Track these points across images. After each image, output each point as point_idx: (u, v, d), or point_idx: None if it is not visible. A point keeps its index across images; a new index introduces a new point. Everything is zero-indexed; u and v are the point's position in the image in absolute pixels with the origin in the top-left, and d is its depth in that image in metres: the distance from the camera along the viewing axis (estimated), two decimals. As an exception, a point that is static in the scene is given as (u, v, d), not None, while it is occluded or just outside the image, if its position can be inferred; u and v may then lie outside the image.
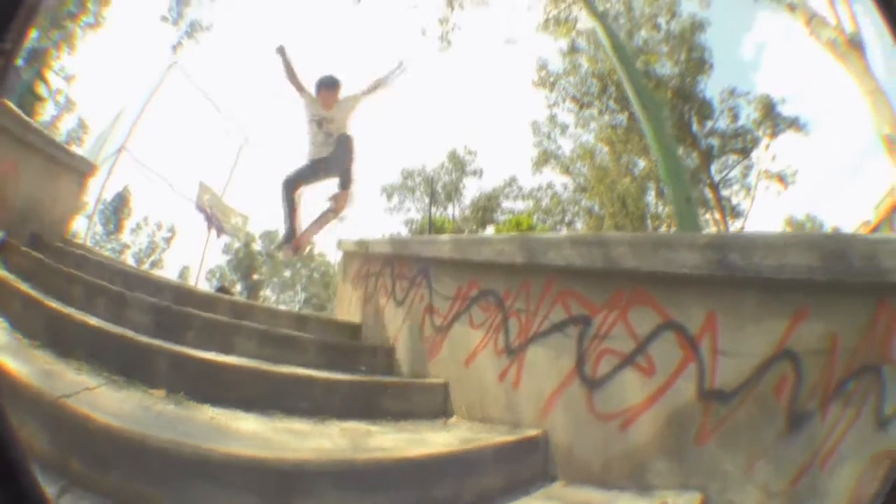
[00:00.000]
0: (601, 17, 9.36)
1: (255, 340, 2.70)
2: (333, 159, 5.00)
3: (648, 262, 2.34)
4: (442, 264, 3.48)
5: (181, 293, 3.20)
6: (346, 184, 4.98)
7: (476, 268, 3.14)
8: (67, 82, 15.89)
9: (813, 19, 12.37)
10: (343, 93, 5.16)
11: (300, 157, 5.31)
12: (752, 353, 2.14)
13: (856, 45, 11.95)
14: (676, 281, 2.27)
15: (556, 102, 21.18)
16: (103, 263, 3.35)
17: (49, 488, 1.27)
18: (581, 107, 21.30)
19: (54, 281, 2.54)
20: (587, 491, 2.13)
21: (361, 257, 4.99)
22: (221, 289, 9.16)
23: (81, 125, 18.33)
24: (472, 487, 1.86)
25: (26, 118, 3.57)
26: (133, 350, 1.96)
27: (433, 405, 2.75)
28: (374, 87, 5.24)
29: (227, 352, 2.36)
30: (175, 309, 2.68)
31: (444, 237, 3.76)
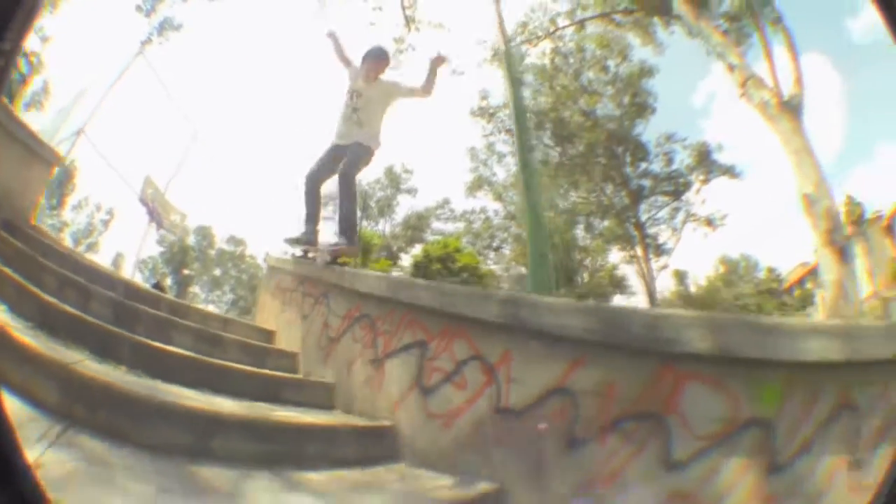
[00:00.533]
0: (513, 72, 9.69)
1: (190, 337, 3.30)
2: (339, 182, 4.75)
3: (465, 308, 3.01)
4: (338, 289, 4.13)
5: (129, 289, 3.78)
6: (346, 231, 4.66)
7: (360, 295, 3.81)
8: (42, 43, 15.48)
9: (749, 80, 12.96)
10: (388, 74, 4.95)
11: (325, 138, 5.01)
12: (536, 385, 2.67)
13: (791, 108, 12.63)
14: (484, 324, 2.90)
15: (492, 133, 21.54)
16: (65, 255, 3.84)
17: (56, 426, 1.78)
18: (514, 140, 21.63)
19: (31, 269, 3.02)
20: (420, 471, 2.71)
21: (281, 273, 5.55)
22: (157, 285, 9.53)
23: (45, 89, 17.73)
24: (335, 452, 2.52)
25: (10, 108, 4.05)
26: (105, 336, 2.51)
27: (322, 399, 3.39)
28: (419, 90, 4.90)
29: (168, 344, 2.92)
30: (129, 304, 3.23)
31: (345, 269, 4.47)
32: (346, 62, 5.02)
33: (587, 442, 2.59)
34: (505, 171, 22.99)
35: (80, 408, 1.89)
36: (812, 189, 11.75)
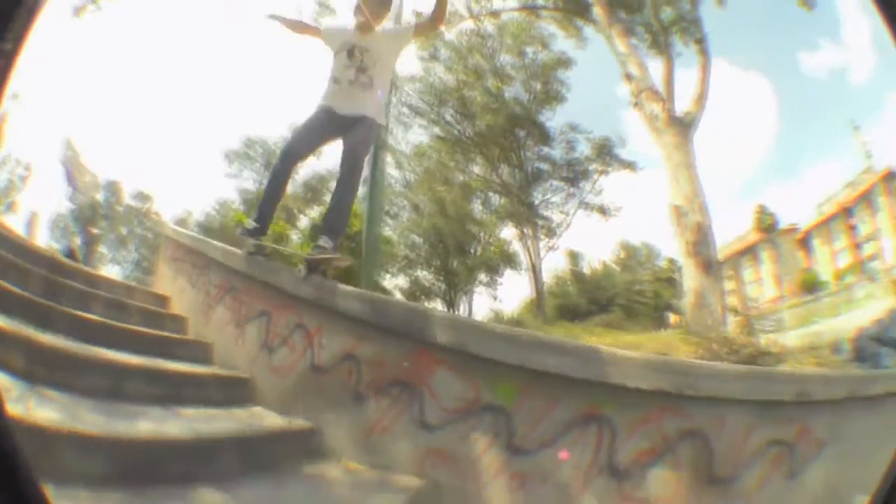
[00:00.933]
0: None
1: (102, 305, 3.97)
2: (342, 154, 3.95)
3: (291, 288, 3.69)
4: (216, 263, 4.67)
5: (52, 264, 4.35)
6: (334, 228, 3.87)
7: (230, 270, 4.40)
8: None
9: (643, 92, 13.68)
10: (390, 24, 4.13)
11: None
12: (336, 350, 3.35)
13: (681, 123, 13.34)
14: (305, 301, 3.58)
15: (395, 104, 21.26)
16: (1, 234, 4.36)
17: (23, 384, 2.22)
18: (415, 114, 22.12)
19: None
20: (267, 412, 3.40)
21: (174, 243, 5.98)
22: (70, 253, 9.83)
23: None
24: (206, 395, 3.27)
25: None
26: (43, 310, 3.11)
27: (202, 356, 4.05)
28: (427, 23, 4.32)
29: (87, 312, 3.57)
30: (54, 280, 3.83)
31: (218, 245, 4.91)
32: (314, 30, 4.38)
33: (367, 398, 3.21)
34: (407, 140, 23.14)
35: (40, 369, 2.47)
36: (683, 202, 12.53)
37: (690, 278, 12.47)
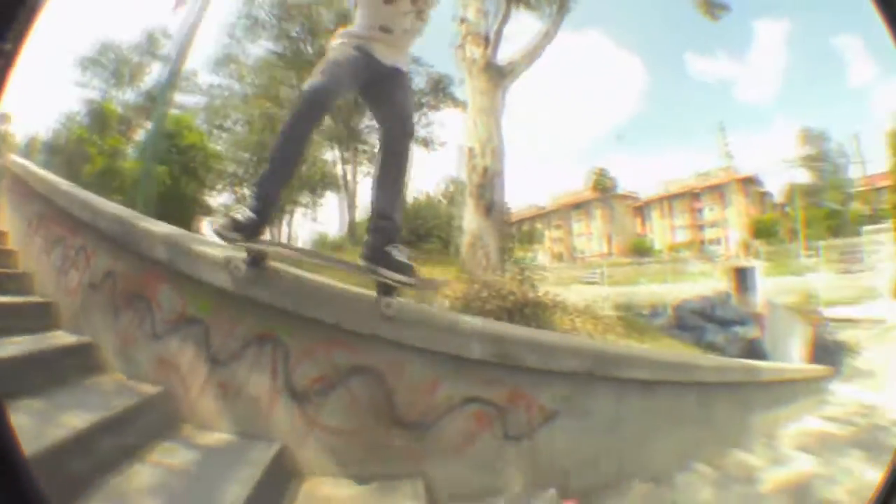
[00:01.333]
0: None
1: None
2: (385, 126, 3.14)
3: (79, 213, 3.85)
4: (34, 193, 4.62)
5: None
6: (399, 225, 3.03)
7: (44, 199, 4.43)
8: None
9: (470, 36, 13.56)
10: None
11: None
12: (102, 268, 3.54)
13: (498, 72, 13.46)
14: (84, 225, 3.74)
15: (246, 16, 20.69)
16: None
17: None
18: (261, 27, 21.05)
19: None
20: (66, 334, 3.60)
21: (9, 172, 5.68)
22: None
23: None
24: (24, 325, 3.51)
25: None
26: None
27: (28, 287, 4.33)
28: None
29: None
30: None
31: (39, 174, 4.88)
32: None
33: (123, 309, 3.38)
34: (248, 53, 21.87)
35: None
36: (476, 145, 12.83)
37: (471, 220, 12.53)
